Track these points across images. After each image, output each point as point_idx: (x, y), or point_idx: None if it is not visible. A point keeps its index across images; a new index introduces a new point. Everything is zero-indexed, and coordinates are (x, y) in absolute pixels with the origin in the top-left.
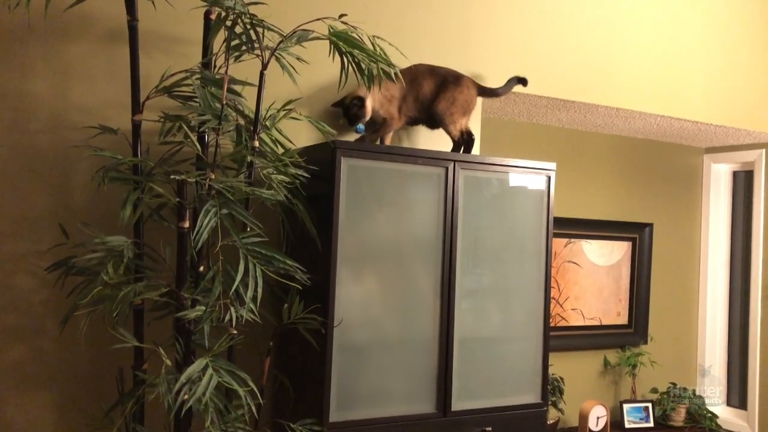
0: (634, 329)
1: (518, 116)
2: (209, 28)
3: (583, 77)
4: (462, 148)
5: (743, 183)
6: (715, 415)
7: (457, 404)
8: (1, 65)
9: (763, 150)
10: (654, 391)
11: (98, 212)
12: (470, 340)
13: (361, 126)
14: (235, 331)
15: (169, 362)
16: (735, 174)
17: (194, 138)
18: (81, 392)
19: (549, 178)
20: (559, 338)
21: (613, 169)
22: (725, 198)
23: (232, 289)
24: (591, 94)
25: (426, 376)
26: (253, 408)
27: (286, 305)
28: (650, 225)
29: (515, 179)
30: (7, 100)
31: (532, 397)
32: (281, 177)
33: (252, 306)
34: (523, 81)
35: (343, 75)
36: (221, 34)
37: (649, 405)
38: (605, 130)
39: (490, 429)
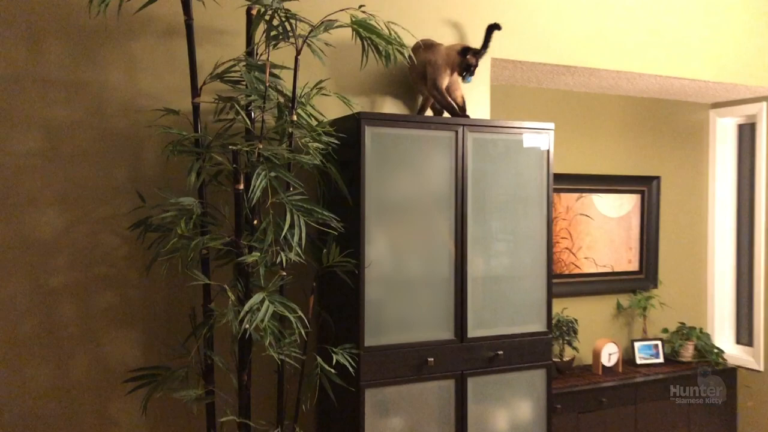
0: (645, 275)
1: (528, 82)
2: (251, 22)
3: (584, 43)
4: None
5: (748, 135)
6: (721, 350)
7: (472, 332)
8: (83, 61)
9: (765, 103)
10: (664, 330)
11: (166, 180)
12: (482, 278)
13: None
14: (284, 272)
15: (233, 297)
16: (740, 127)
17: (244, 115)
18: (160, 329)
19: (548, 136)
20: (573, 284)
21: (621, 127)
22: (731, 150)
23: (282, 235)
24: (592, 58)
25: (444, 308)
26: (303, 333)
27: (325, 251)
28: (658, 178)
29: (518, 139)
30: (89, 89)
31: (538, 326)
32: (316, 144)
33: (298, 249)
34: (497, 26)
35: (364, 56)
36: (261, 26)
37: (659, 342)
38: (611, 91)
39: (501, 352)
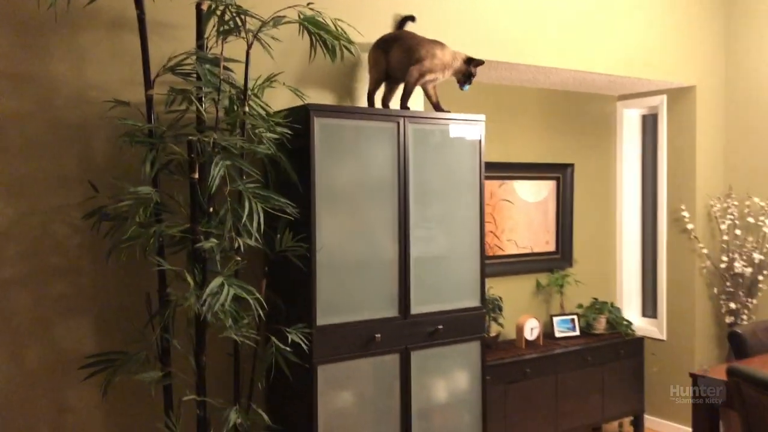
0: (561, 255)
1: None
2: (201, 17)
3: (506, 40)
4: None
5: (651, 125)
6: (629, 323)
7: (415, 309)
8: (30, 53)
9: (665, 96)
10: (579, 306)
11: (116, 171)
12: (423, 259)
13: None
14: (239, 258)
15: (192, 282)
16: (644, 117)
17: (200, 106)
18: (113, 316)
19: (480, 127)
20: (498, 265)
21: (538, 118)
22: (636, 138)
23: (243, 221)
24: (513, 54)
25: (390, 288)
26: (262, 314)
27: (278, 235)
28: (572, 165)
29: (453, 129)
30: (37, 81)
31: (473, 302)
32: (270, 134)
33: (257, 235)
34: (411, 18)
35: (312, 51)
36: (211, 21)
37: (575, 317)
38: (530, 84)
39: (441, 327)
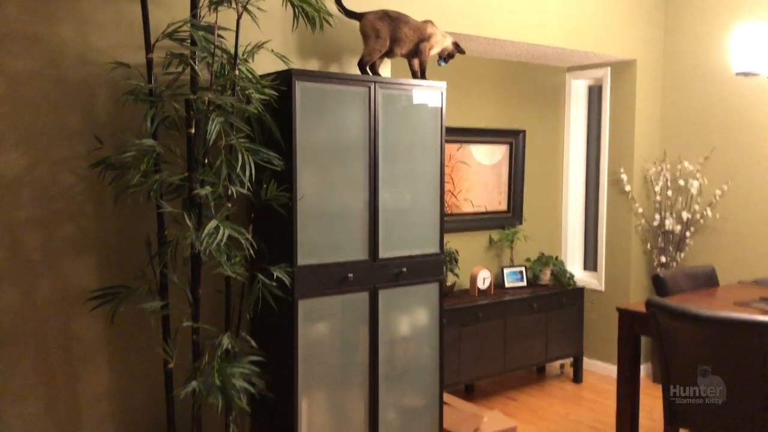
0: (512, 214)
1: None
2: None
3: (465, 13)
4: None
5: (596, 95)
6: (572, 275)
7: (383, 253)
8: (37, 17)
9: (609, 68)
10: (527, 259)
11: (117, 126)
12: (390, 211)
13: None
14: (230, 205)
15: (192, 224)
16: (590, 88)
17: (198, 69)
18: (115, 255)
19: (441, 93)
20: (455, 222)
21: (494, 86)
22: (582, 107)
23: (237, 170)
24: (473, 27)
25: (361, 235)
26: (253, 252)
27: (264, 185)
28: (524, 131)
29: (417, 95)
30: (44, 43)
31: (433, 249)
32: (258, 96)
33: (249, 184)
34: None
35: (295, 21)
36: None
37: (523, 269)
38: (488, 55)
39: (405, 269)
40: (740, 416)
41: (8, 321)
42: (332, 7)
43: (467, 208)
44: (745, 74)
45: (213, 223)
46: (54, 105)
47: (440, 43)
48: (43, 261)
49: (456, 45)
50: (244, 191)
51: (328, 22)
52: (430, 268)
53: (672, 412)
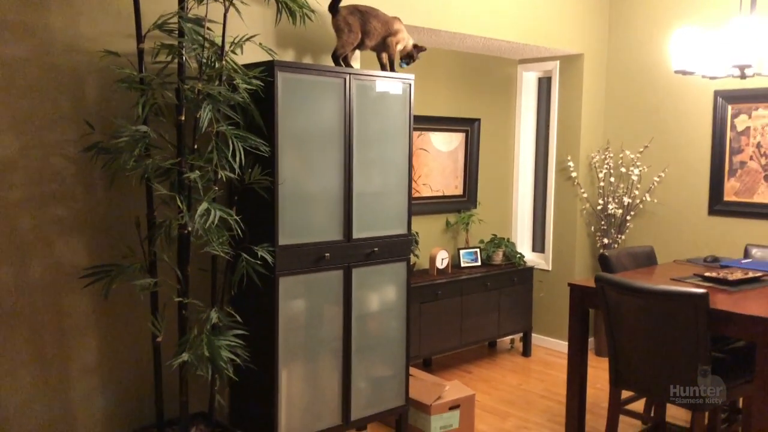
0: (467, 198)
1: None
2: None
3: (427, 8)
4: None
5: (545, 87)
6: (522, 255)
7: (356, 234)
8: (29, 5)
9: (558, 61)
10: (481, 241)
11: (106, 112)
12: (363, 194)
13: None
14: (216, 188)
15: (183, 206)
16: (540, 80)
17: (187, 59)
18: (104, 236)
19: (410, 84)
20: (416, 206)
21: (452, 77)
22: (533, 98)
23: (228, 156)
24: (433, 21)
25: (336, 216)
26: (240, 232)
27: (249, 170)
28: (479, 120)
29: (388, 86)
30: (36, 31)
31: (401, 230)
32: (245, 85)
33: (239, 170)
34: None
35: (278, 16)
36: None
37: (478, 250)
38: (446, 47)
39: (376, 249)
40: (675, 376)
41: (1, 298)
42: (314, 4)
43: (426, 193)
44: (683, 73)
45: (204, 206)
46: (46, 91)
47: (404, 40)
48: (35, 240)
49: (416, 47)
50: (233, 176)
51: (309, 18)
52: (398, 247)
53: (617, 375)
